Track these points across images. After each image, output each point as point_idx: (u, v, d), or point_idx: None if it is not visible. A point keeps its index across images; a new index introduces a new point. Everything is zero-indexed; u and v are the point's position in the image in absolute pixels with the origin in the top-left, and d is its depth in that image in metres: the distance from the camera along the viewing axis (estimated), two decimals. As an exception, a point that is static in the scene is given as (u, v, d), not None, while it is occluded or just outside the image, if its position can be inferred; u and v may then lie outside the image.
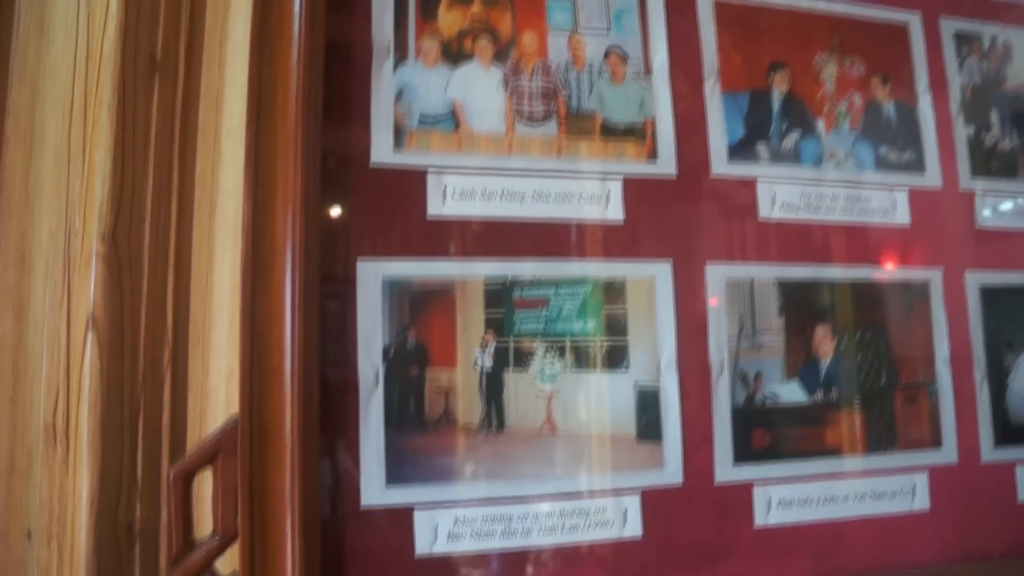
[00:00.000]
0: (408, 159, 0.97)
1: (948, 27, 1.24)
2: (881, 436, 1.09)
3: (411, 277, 0.95)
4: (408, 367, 0.94)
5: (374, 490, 0.91)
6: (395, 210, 0.96)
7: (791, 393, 1.06)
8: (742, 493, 1.03)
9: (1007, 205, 1.21)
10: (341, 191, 0.95)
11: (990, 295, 1.18)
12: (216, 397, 0.92)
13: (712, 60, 1.08)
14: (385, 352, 0.93)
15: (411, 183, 0.97)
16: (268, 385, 0.86)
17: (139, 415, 0.88)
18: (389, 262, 0.95)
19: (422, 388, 0.94)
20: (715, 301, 1.03)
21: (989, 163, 1.22)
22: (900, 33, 1.20)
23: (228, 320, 0.91)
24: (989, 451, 1.15)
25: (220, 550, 0.87)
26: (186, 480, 0.87)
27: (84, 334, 0.85)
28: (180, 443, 0.89)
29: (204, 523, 0.87)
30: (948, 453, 1.12)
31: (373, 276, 0.94)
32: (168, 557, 0.87)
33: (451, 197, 0.97)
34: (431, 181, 0.97)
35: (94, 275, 0.85)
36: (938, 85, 1.21)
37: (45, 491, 0.85)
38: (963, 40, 1.25)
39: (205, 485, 0.87)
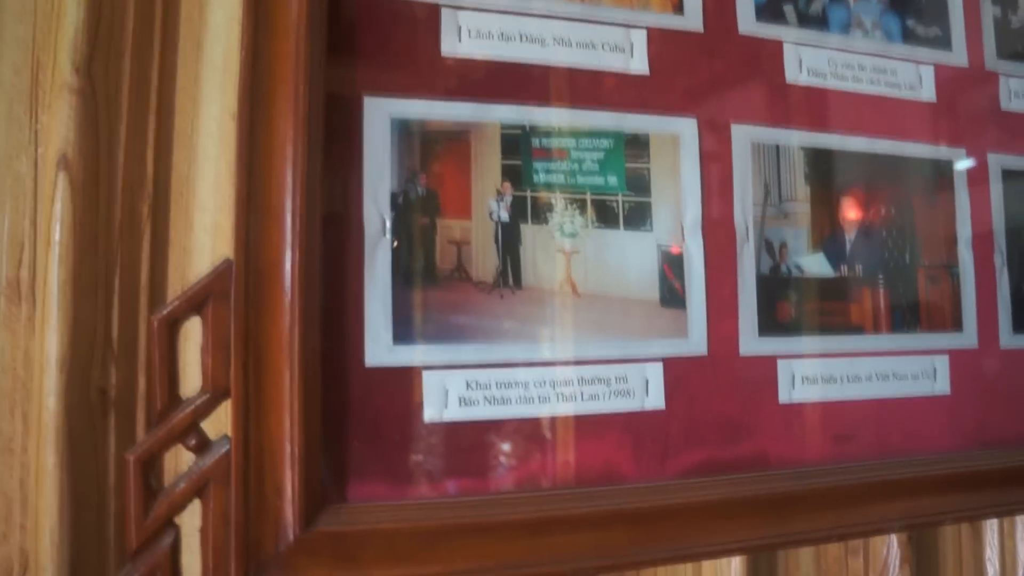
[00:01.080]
0: (420, -7, 0.88)
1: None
2: (904, 315, 1.05)
3: (423, 118, 0.87)
4: (418, 216, 0.86)
5: (380, 348, 0.83)
6: (406, 45, 0.88)
7: (816, 265, 1.00)
8: (767, 367, 0.97)
9: (1031, 89, 1.18)
10: (347, 21, 0.85)
11: (1012, 178, 1.14)
12: (200, 255, 0.81)
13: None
14: (393, 199, 0.85)
15: (424, 16, 0.88)
16: (266, 223, 0.78)
17: (115, 271, 0.77)
18: (399, 100, 0.86)
19: (433, 239, 0.86)
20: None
21: (1015, 45, 1.18)
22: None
23: (214, 173, 0.81)
24: (1008, 336, 1.11)
25: (209, 408, 0.78)
26: (171, 328, 0.78)
27: (54, 177, 0.74)
28: (160, 302, 0.78)
29: (188, 383, 0.77)
30: (968, 337, 1.09)
31: (381, 114, 0.85)
32: (147, 421, 0.77)
33: (467, 35, 0.89)
34: (445, 16, 0.89)
35: (67, 110, 0.74)
36: (966, -41, 1.17)
37: (8, 354, 0.74)
38: (989, -83, 1.20)
39: (190, 339, 0.77)
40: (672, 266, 0.94)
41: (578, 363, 0.89)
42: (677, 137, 0.95)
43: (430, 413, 0.84)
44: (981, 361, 1.10)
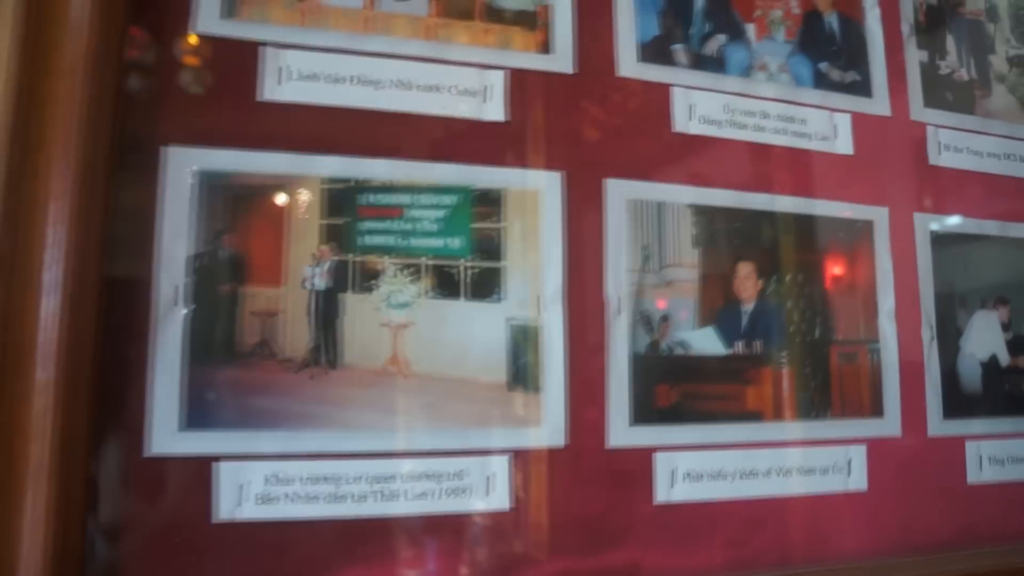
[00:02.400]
0: (239, 30, 0.78)
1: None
2: (813, 400, 0.92)
3: (232, 170, 0.76)
4: (219, 282, 0.74)
5: (164, 434, 0.71)
6: (218, 89, 0.77)
7: (705, 342, 0.88)
8: (641, 461, 0.84)
9: (963, 142, 1.05)
10: (146, 61, 0.75)
11: (942, 242, 1.01)
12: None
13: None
14: (191, 262, 0.73)
15: (241, 58, 0.78)
16: (22, 291, 0.66)
17: None
18: (205, 151, 0.76)
19: (235, 309, 0.74)
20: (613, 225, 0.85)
21: (943, 94, 1.06)
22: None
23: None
24: (937, 423, 0.98)
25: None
26: None
27: None
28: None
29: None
30: (890, 424, 0.96)
31: (182, 166, 0.75)
32: None
33: (290, 78, 0.78)
34: (267, 57, 0.78)
35: None
36: (888, 1, 1.05)
37: None
38: (918, -48, 1.09)
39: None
40: (524, 343, 0.81)
41: (405, 455, 0.77)
42: (538, 193, 0.83)
43: (222, 511, 0.72)
44: (905, 452, 0.96)
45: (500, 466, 0.79)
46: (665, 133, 0.90)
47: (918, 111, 1.04)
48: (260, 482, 0.73)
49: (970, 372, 1.01)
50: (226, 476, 0.73)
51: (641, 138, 0.89)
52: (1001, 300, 1.04)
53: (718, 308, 0.89)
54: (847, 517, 0.93)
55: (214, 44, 0.78)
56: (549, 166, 0.85)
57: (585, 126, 0.87)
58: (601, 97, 0.88)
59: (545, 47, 0.87)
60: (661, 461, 0.85)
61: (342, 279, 0.78)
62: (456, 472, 0.78)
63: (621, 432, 0.84)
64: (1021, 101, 1.11)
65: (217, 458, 0.73)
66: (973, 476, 0.99)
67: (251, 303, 0.76)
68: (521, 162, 0.84)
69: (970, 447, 0.99)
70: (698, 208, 0.90)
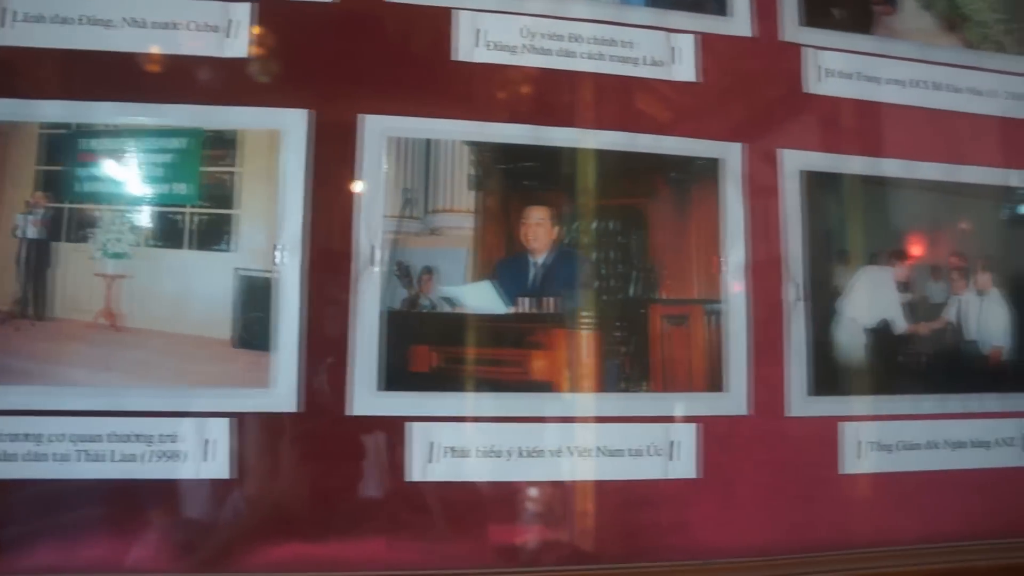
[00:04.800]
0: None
1: None
2: (624, 369, 0.79)
3: (-56, 117, 0.75)
4: (-75, 231, 0.73)
5: None
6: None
7: (479, 298, 0.78)
8: (392, 431, 0.76)
9: (853, 66, 0.88)
10: None
11: (820, 184, 0.85)
12: None
13: None
14: None
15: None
16: None
17: None
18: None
19: (-63, 259, 0.73)
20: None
21: (829, 9, 0.89)
22: None
23: None
24: (801, 400, 0.82)
25: None
26: None
27: None
28: None
29: None
30: (733, 401, 0.81)
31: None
32: None
33: (12, 19, 0.76)
34: (-7, -1, 0.77)
35: None
36: None
37: None
38: None
39: None
40: (255, 296, 0.75)
41: (112, 414, 0.72)
42: (279, 133, 0.77)
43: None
44: (754, 434, 0.81)
45: (219, 430, 0.73)
46: (444, 62, 0.81)
47: (792, 31, 0.88)
48: (-49, 438, 0.71)
49: (851, 340, 0.84)
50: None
51: (413, 69, 0.80)
52: (897, 254, 0.86)
53: (499, 260, 0.79)
54: (670, 509, 0.79)
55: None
56: (294, 103, 0.78)
57: (343, 58, 0.79)
58: (367, 24, 0.80)
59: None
60: (418, 433, 0.76)
61: (57, 228, 0.75)
62: (169, 435, 0.73)
63: (366, 399, 0.75)
64: (940, 17, 0.92)
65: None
66: (849, 465, 0.82)
67: (-43, 251, 0.74)
68: (260, 100, 0.77)
69: (847, 430, 0.82)
70: (479, 146, 0.80)
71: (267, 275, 0.76)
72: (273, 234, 0.76)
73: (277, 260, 0.76)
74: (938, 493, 0.84)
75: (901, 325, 0.85)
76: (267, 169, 0.77)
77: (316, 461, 0.75)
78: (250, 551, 0.73)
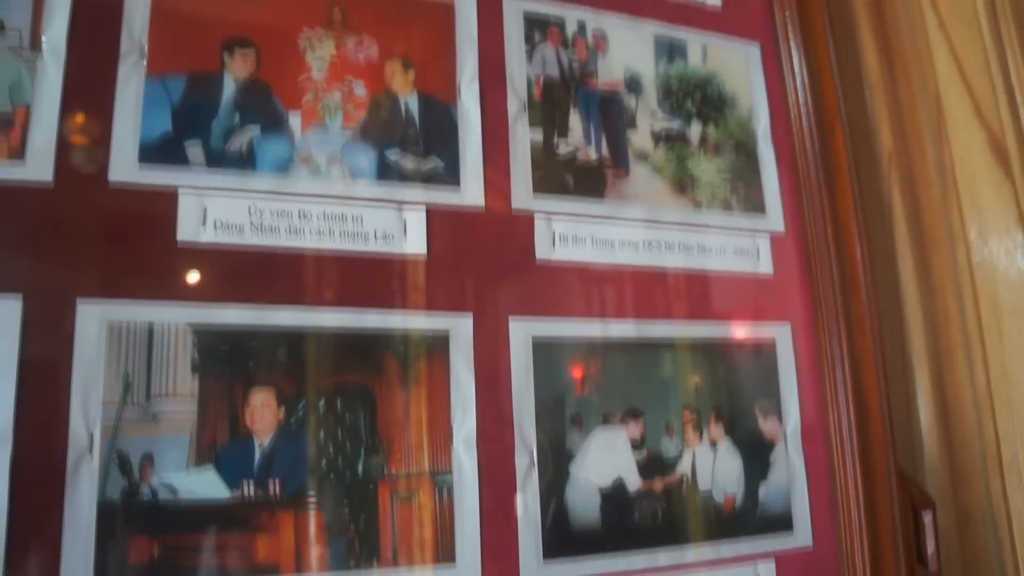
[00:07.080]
0: None
1: (513, 7, 1.00)
2: (353, 548, 0.81)
3: None
4: None
5: None
6: None
7: (202, 485, 0.78)
8: (102, 631, 0.73)
9: (587, 231, 0.94)
10: None
11: (550, 350, 0.90)
12: None
13: (138, 33, 0.85)
14: None
15: None
16: None
17: None
18: None
19: None
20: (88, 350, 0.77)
21: (562, 177, 0.96)
22: (440, 10, 0.96)
23: None
24: (535, 567, 0.85)
25: None
26: None
27: None
28: None
29: None
30: (467, 572, 0.83)
31: None
32: None
33: None
34: None
35: None
36: (493, 77, 0.96)
37: None
38: (535, 24, 1.00)
39: None
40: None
41: None
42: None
43: None
44: (487, 604, 0.83)
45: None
46: (167, 244, 0.82)
47: (525, 199, 0.94)
48: None
49: (585, 501, 0.89)
50: None
51: (133, 253, 0.81)
52: (632, 414, 0.92)
53: (222, 444, 0.80)
54: None
55: None
56: (6, 290, 0.77)
57: (60, 243, 0.80)
58: (88, 210, 0.81)
59: (19, 153, 0.80)
60: (138, 630, 0.74)
61: None
62: None
63: (70, 599, 0.73)
64: (670, 180, 1.01)
65: None
66: (582, 630, 0.86)
67: None
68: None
69: (580, 594, 0.86)
70: (201, 328, 0.81)
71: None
72: (-21, 428, 0.75)
73: (-17, 454, 0.74)
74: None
75: (635, 482, 0.91)
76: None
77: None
78: None
